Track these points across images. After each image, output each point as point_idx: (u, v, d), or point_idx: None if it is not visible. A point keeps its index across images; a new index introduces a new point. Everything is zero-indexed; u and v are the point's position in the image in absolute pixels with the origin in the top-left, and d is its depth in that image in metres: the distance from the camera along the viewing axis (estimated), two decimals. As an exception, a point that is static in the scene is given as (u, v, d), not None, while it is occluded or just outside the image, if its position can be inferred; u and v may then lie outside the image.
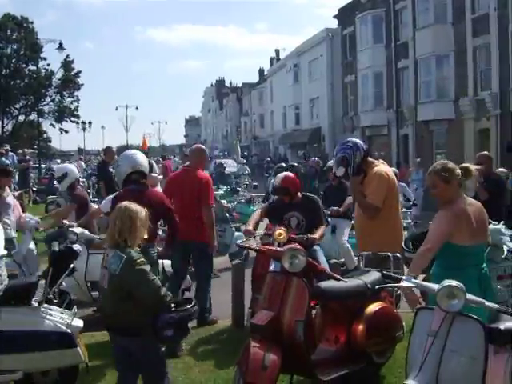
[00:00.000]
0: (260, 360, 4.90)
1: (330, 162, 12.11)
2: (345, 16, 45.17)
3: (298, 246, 5.63)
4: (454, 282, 3.97)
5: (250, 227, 7.46)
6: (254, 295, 6.40)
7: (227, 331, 8.05)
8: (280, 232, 6.46)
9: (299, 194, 7.74)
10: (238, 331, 7.87)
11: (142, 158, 7.15)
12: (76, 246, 6.94)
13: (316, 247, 7.43)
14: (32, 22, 56.20)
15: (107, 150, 14.88)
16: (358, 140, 7.23)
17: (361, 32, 41.11)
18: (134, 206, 4.90)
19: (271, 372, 4.88)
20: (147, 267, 4.77)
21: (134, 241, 4.82)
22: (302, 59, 55.52)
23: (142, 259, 4.76)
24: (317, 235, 7.24)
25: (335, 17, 47.98)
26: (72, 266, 6.56)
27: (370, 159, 7.11)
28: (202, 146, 9.22)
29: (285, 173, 8.04)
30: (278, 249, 5.73)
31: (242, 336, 6.68)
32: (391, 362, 6.31)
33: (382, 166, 7.13)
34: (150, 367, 4.92)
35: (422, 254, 4.95)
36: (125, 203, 4.93)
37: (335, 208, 10.56)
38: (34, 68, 53.30)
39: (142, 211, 4.89)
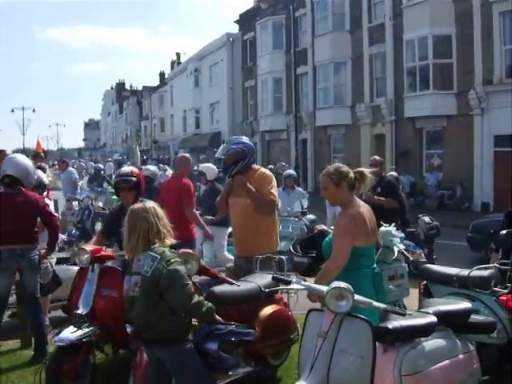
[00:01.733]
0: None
1: (201, 167, 12.05)
2: (245, 21, 45.51)
3: (191, 251, 5.58)
4: (342, 284, 4.01)
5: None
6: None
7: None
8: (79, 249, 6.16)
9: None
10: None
11: (14, 163, 7.23)
12: None
13: None
14: None
15: (0, 152, 14.47)
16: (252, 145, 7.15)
17: (261, 37, 41.48)
18: (149, 205, 4.72)
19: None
20: (182, 268, 4.56)
21: (165, 238, 4.65)
22: (202, 63, 55.46)
23: (177, 259, 4.59)
24: None
25: (236, 22, 48.23)
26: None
27: (253, 165, 7.02)
28: (187, 155, 10.15)
29: (130, 167, 7.70)
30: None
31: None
32: (287, 364, 6.37)
33: (266, 169, 7.12)
34: (187, 381, 4.64)
35: (332, 271, 4.90)
36: (139, 205, 4.71)
37: (209, 217, 10.23)
38: None
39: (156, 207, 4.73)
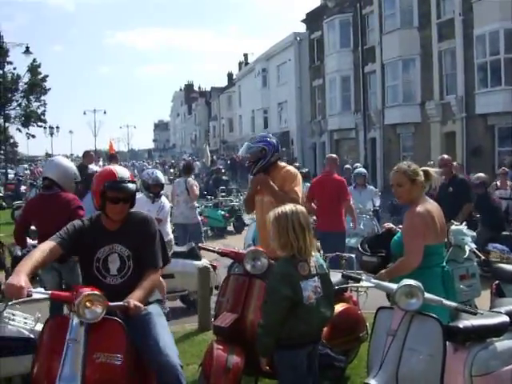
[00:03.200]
0: (223, 362, 4.90)
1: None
2: (312, 20, 45.35)
3: (260, 248, 5.60)
4: (412, 281, 4.00)
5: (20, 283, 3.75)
6: (218, 298, 6.26)
7: (193, 334, 8.03)
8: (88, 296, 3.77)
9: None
10: (204, 334, 7.86)
11: (52, 166, 7.54)
12: None
13: None
14: (-3, 26, 55.45)
15: (86, 154, 15.24)
16: (277, 142, 6.80)
17: (328, 36, 41.20)
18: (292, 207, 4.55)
19: (234, 374, 4.89)
20: None
21: None
22: (270, 63, 55.57)
23: None
24: (137, 295, 4.09)
25: (303, 21, 48.16)
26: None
27: (279, 162, 6.75)
28: (334, 156, 11.45)
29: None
30: (240, 251, 5.71)
31: (207, 339, 6.67)
32: (356, 363, 6.37)
33: (291, 167, 6.81)
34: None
35: (405, 270, 4.81)
36: (285, 209, 4.52)
37: None
38: (0, 72, 52.58)
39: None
